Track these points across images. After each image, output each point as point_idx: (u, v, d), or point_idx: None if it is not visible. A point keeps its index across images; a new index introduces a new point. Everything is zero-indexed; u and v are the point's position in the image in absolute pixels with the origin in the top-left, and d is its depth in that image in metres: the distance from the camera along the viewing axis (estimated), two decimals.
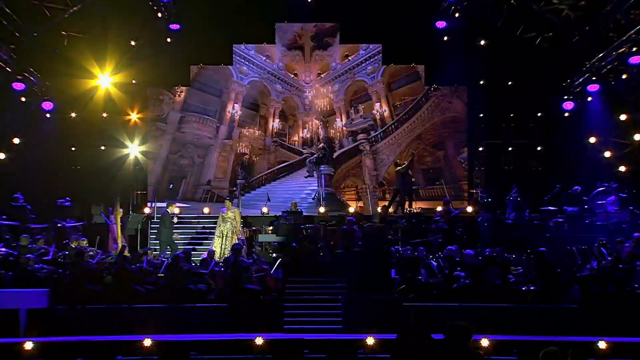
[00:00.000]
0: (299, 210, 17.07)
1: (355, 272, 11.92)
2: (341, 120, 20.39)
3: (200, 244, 16.79)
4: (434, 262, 13.02)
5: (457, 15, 18.04)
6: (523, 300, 11.71)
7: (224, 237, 15.18)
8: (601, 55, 15.83)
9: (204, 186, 19.80)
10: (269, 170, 20.17)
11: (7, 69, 15.73)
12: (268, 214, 17.71)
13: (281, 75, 20.41)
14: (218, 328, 11.32)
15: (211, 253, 14.09)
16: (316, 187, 19.71)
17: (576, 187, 15.70)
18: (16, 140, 16.68)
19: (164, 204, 16.51)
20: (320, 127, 20.32)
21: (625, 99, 16.06)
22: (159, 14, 18.02)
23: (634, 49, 14.58)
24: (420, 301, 11.55)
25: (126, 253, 13.88)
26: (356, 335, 10.07)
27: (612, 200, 14.93)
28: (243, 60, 20.16)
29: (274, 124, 20.43)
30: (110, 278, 12.35)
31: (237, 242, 14.82)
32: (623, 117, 16.18)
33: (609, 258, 12.36)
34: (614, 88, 16.20)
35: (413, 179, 17.71)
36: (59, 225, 15.16)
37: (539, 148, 18.86)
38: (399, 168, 17.26)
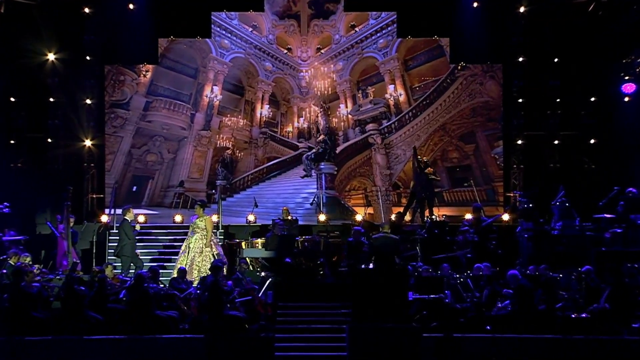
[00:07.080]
0: (294, 218, 17.08)
1: (364, 295, 11.88)
2: (346, 107, 20.42)
3: (170, 260, 16.74)
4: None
5: None
6: (574, 330, 11.68)
7: (189, 252, 15.13)
8: None
9: (175, 188, 19.83)
10: (256, 169, 20.22)
11: None
12: (255, 222, 17.73)
13: (271, 51, 20.40)
14: None
15: (182, 271, 14.07)
16: (315, 190, 19.74)
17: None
18: None
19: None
20: (320, 115, 20.33)
21: None
22: None
23: None
24: (444, 331, 11.53)
25: (78, 271, 13.82)
26: None
27: None
28: (224, 32, 20.15)
29: (263, 111, 20.45)
30: (59, 303, 12.32)
31: (216, 258, 14.81)
32: None
33: None
34: None
35: (438, 178, 17.70)
36: None
37: (591, 141, 18.83)
38: (422, 166, 17.25)
